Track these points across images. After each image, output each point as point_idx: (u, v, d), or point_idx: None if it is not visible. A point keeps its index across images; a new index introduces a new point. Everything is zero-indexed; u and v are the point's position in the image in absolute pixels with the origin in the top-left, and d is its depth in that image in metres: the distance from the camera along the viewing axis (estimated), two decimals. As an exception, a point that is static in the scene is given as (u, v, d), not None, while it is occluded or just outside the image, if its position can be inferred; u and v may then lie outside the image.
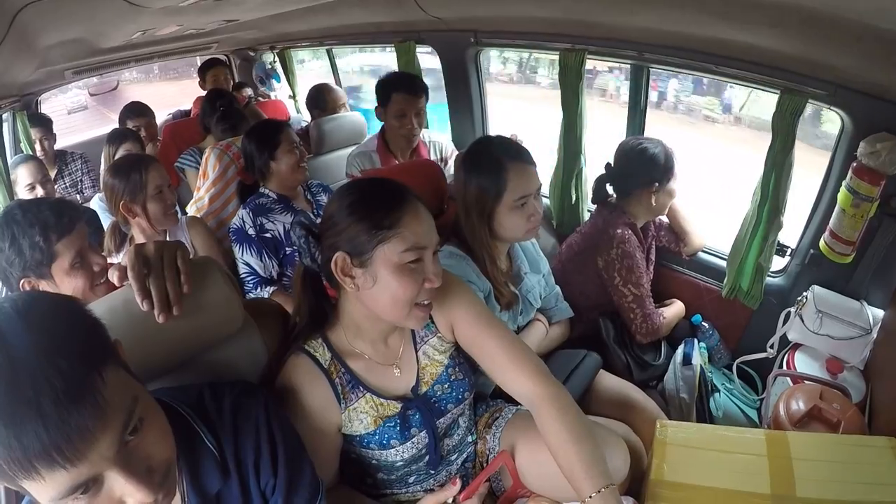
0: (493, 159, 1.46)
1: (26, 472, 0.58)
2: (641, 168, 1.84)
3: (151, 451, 0.69)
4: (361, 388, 1.13)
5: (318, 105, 3.37)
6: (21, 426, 0.57)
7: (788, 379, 1.63)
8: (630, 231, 1.84)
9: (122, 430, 0.64)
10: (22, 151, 2.86)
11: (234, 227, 2.08)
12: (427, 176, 1.88)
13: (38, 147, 3.01)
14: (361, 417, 1.13)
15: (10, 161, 2.61)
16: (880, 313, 1.60)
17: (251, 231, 2.04)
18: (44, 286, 1.35)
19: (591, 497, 0.98)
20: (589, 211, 2.33)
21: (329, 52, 3.70)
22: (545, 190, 2.42)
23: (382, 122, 2.45)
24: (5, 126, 2.87)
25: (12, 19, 1.37)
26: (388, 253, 1.02)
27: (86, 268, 1.37)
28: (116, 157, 2.68)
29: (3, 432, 0.57)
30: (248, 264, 2.06)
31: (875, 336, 1.57)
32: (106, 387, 0.62)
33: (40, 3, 1.37)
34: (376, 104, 2.43)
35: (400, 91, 2.35)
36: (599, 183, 1.96)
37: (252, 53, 4.10)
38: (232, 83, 3.94)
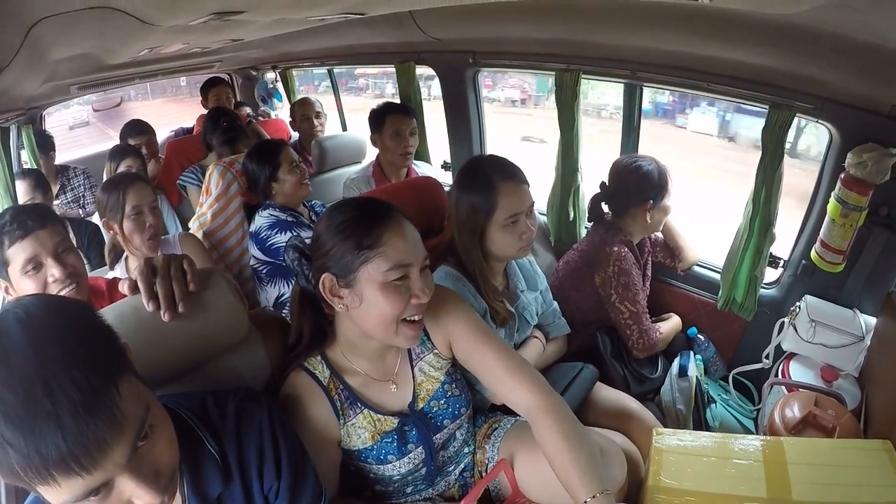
0: (484, 178, 1.47)
1: (43, 479, 0.60)
2: (636, 186, 1.87)
3: (159, 456, 0.71)
4: (359, 405, 1.15)
5: (294, 118, 3.49)
6: (40, 437, 0.58)
7: (784, 388, 1.64)
8: (626, 248, 1.86)
9: (135, 438, 0.66)
10: (24, 165, 2.89)
11: (264, 224, 2.13)
12: (426, 193, 1.90)
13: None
14: (359, 433, 1.14)
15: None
16: (872, 320, 1.62)
17: (287, 217, 2.11)
18: (8, 287, 1.39)
19: (586, 502, 0.99)
20: (586, 228, 2.35)
21: (330, 73, 3.77)
22: (543, 207, 2.46)
23: (378, 149, 2.61)
24: (11, 139, 2.89)
25: (27, 32, 1.40)
26: (372, 272, 1.04)
27: (39, 276, 1.37)
28: (117, 172, 2.72)
29: (21, 443, 0.58)
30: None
31: (868, 343, 1.59)
32: (122, 398, 0.64)
33: (55, 18, 1.41)
34: (370, 134, 2.61)
35: (393, 113, 2.52)
36: (595, 202, 1.99)
37: (254, 73, 4.16)
38: (234, 102, 3.99)
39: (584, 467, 1.02)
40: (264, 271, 2.21)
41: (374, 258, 1.03)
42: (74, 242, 2.42)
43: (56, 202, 3.01)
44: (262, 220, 2.16)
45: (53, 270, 1.37)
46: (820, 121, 1.62)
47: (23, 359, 0.60)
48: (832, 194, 1.57)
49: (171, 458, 0.74)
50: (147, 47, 2.32)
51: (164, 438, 0.73)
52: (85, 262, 2.40)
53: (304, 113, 3.42)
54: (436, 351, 1.22)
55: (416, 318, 1.08)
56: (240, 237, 2.41)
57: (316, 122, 3.41)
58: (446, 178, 2.94)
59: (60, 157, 3.57)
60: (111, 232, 1.83)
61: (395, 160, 2.55)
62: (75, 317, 0.67)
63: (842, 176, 1.54)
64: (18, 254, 1.35)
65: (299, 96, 3.79)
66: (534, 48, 2.23)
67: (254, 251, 2.21)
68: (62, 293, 1.38)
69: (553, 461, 1.06)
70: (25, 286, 1.37)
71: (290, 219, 2.16)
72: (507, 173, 1.48)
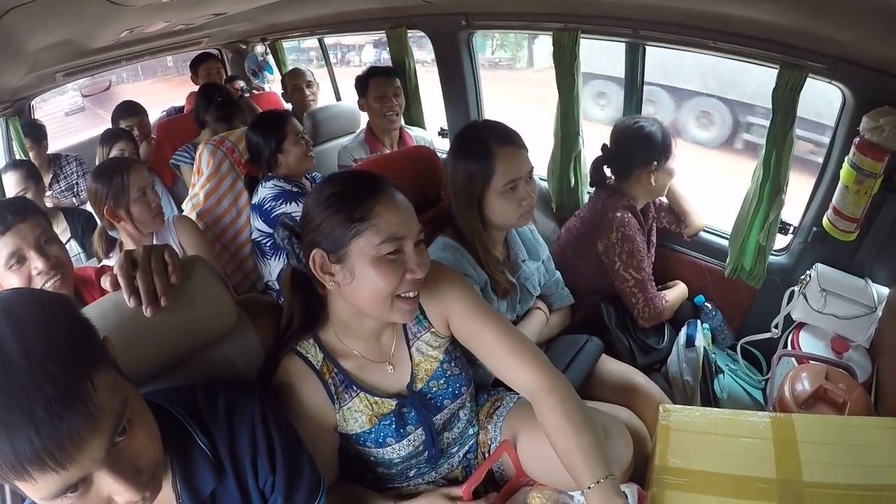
0: (481, 143, 1.43)
1: (18, 474, 0.60)
2: (639, 148, 1.81)
3: (139, 451, 0.71)
4: (355, 388, 1.13)
5: (285, 89, 3.45)
6: (14, 432, 0.58)
7: (793, 359, 1.61)
8: (630, 214, 1.82)
9: (112, 432, 0.66)
10: (16, 156, 2.86)
11: (268, 195, 2.12)
12: (421, 163, 1.85)
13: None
14: (356, 416, 1.13)
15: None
16: (885, 291, 1.58)
17: (292, 188, 2.12)
18: None
19: (589, 488, 0.97)
20: (588, 193, 2.31)
21: (321, 42, 3.67)
22: (543, 173, 2.41)
23: (366, 113, 2.66)
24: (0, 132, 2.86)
25: (-3, 26, 1.35)
26: (363, 246, 1.00)
27: (23, 269, 1.37)
28: (110, 157, 2.67)
29: None
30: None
31: (880, 314, 1.55)
32: (97, 392, 0.64)
33: (25, 7, 1.35)
34: (357, 99, 2.67)
35: (376, 76, 2.59)
36: (596, 165, 1.94)
37: (243, 46, 4.05)
38: (224, 77, 3.90)
39: (588, 451, 1.01)
40: (268, 244, 2.20)
41: (365, 231, 1.00)
42: (69, 231, 2.44)
43: (49, 192, 2.98)
44: (265, 191, 2.15)
45: (37, 263, 1.37)
46: (833, 81, 1.54)
47: (1, 354, 0.60)
48: (846, 159, 1.51)
49: (152, 453, 0.74)
50: (127, 28, 2.25)
51: (144, 433, 0.72)
52: (80, 250, 2.42)
53: (294, 83, 3.37)
54: (433, 329, 1.19)
55: (412, 294, 1.05)
56: (234, 216, 2.39)
57: (308, 91, 3.36)
58: (444, 145, 2.91)
59: (58, 145, 3.53)
60: (116, 220, 1.81)
61: (382, 122, 2.59)
62: (53, 310, 0.67)
63: (856, 140, 1.47)
64: (1, 249, 1.35)
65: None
66: (529, 7, 2.15)
67: (257, 223, 2.19)
68: (48, 285, 1.39)
69: (556, 444, 1.05)
70: (10, 280, 1.37)
71: (294, 189, 2.16)
72: (504, 138, 1.44)
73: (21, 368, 0.60)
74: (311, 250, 1.04)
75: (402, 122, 2.71)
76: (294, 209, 2.07)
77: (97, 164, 2.69)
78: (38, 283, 1.38)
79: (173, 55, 4.34)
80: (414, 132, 2.79)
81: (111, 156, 2.67)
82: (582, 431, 1.03)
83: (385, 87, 2.56)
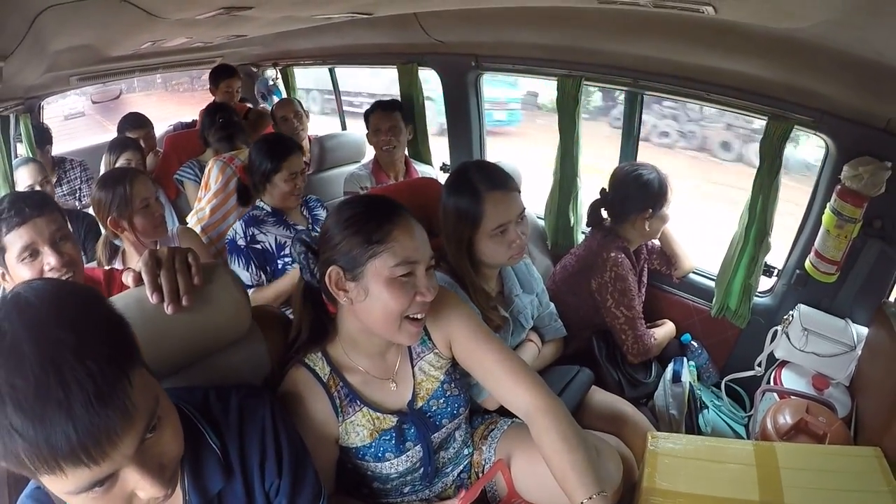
0: (470, 187, 1.44)
1: (50, 469, 0.59)
2: (636, 194, 1.88)
3: (165, 449, 0.71)
4: (359, 402, 1.15)
5: (274, 119, 3.39)
6: (51, 427, 0.57)
7: (776, 394, 1.66)
8: (623, 255, 1.88)
9: (144, 430, 0.66)
10: (25, 153, 2.87)
11: (229, 238, 2.09)
12: (426, 193, 1.88)
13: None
14: (358, 430, 1.14)
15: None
16: (864, 330, 1.64)
17: (241, 242, 2.06)
18: (4, 272, 1.38)
19: (583, 503, 1.00)
20: (583, 233, 2.37)
21: (331, 72, 3.76)
22: (541, 211, 2.48)
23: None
24: (10, 128, 2.87)
25: (33, 20, 1.39)
26: (379, 267, 1.05)
27: (35, 263, 1.37)
28: (116, 165, 2.70)
29: (31, 431, 0.57)
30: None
31: (859, 353, 1.61)
32: (133, 390, 0.63)
33: (60, 7, 1.40)
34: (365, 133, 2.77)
35: (375, 111, 2.68)
36: (594, 208, 2.00)
37: (254, 69, 4.15)
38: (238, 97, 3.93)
39: (582, 468, 1.03)
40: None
41: (382, 253, 1.04)
42: (71, 235, 2.43)
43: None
44: (230, 231, 2.13)
45: (50, 258, 1.36)
46: (818, 133, 1.65)
47: (34, 345, 0.59)
48: (828, 206, 1.60)
49: (177, 450, 0.74)
50: (150, 40, 2.31)
51: (170, 430, 0.72)
52: (81, 252, 2.41)
53: (282, 114, 3.34)
54: (436, 350, 1.23)
55: (419, 316, 1.09)
56: (238, 233, 2.39)
57: (296, 122, 3.30)
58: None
59: (56, 148, 3.53)
60: (119, 230, 1.81)
61: (381, 155, 2.68)
62: (88, 303, 0.66)
63: (837, 188, 1.56)
64: (15, 241, 1.34)
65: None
66: (536, 53, 2.26)
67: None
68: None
69: (551, 462, 1.07)
70: (22, 273, 1.36)
71: (270, 219, 2.14)
72: (493, 182, 1.45)
73: (58, 362, 0.58)
74: (327, 266, 1.08)
75: (408, 154, 2.77)
76: (238, 261, 2.06)
77: (102, 171, 2.72)
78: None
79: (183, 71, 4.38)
80: (420, 168, 2.84)
81: (118, 165, 2.70)
82: (576, 450, 1.06)
83: (380, 121, 2.64)
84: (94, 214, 2.33)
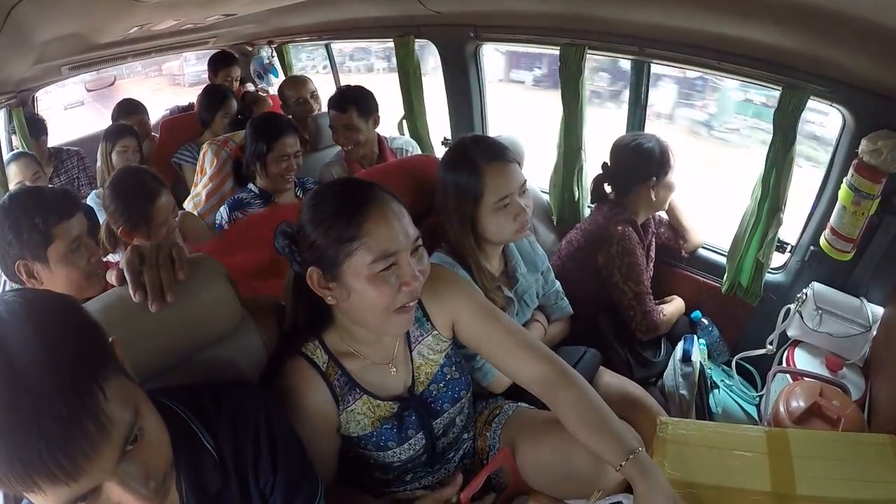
0: (469, 161, 1.42)
1: (27, 486, 0.58)
2: (638, 164, 1.85)
3: (149, 460, 0.69)
4: (358, 390, 1.13)
5: (284, 100, 3.13)
6: (22, 445, 0.56)
7: (788, 376, 1.63)
8: (630, 228, 1.84)
9: (123, 442, 0.64)
10: (18, 147, 2.85)
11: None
12: (420, 172, 1.82)
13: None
14: (359, 419, 1.13)
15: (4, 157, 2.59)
16: (880, 310, 1.60)
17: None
18: (38, 269, 1.38)
19: (621, 465, 1.00)
20: (589, 207, 2.32)
21: (327, 48, 3.67)
22: (545, 186, 2.43)
23: None
24: (1, 123, 2.85)
25: (7, 14, 1.36)
26: (356, 265, 0.99)
27: (81, 256, 1.39)
28: (112, 154, 2.67)
29: (2, 449, 0.56)
30: None
31: (874, 333, 1.57)
32: (108, 402, 0.62)
33: (37, -2, 1.36)
34: None
35: (331, 108, 2.37)
36: (597, 183, 1.96)
37: (249, 48, 4.05)
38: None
39: (616, 429, 1.04)
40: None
41: (357, 251, 0.98)
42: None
43: (49, 186, 2.97)
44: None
45: (93, 251, 1.43)
46: (834, 104, 1.58)
47: (2, 360, 0.58)
48: (844, 181, 1.53)
49: (163, 461, 0.72)
50: (136, 24, 2.26)
51: (154, 441, 0.70)
52: None
53: (298, 95, 2.99)
54: (435, 332, 1.20)
55: (410, 303, 1.05)
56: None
57: (313, 104, 3.03)
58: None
59: (57, 139, 3.51)
60: (129, 240, 1.77)
61: (346, 151, 2.42)
62: (59, 314, 0.65)
63: (855, 163, 1.50)
64: (66, 232, 1.37)
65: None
66: (538, 21, 2.17)
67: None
68: (98, 274, 1.45)
69: (579, 427, 1.07)
70: (65, 268, 1.39)
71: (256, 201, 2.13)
72: (491, 154, 1.42)
73: (26, 376, 0.57)
74: (306, 267, 1.04)
75: (381, 135, 2.50)
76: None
77: (98, 161, 2.69)
78: (92, 271, 1.44)
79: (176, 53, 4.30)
80: (396, 142, 2.61)
81: (114, 152, 2.66)
82: (601, 409, 1.06)
83: (335, 121, 2.35)
84: (90, 203, 2.33)
